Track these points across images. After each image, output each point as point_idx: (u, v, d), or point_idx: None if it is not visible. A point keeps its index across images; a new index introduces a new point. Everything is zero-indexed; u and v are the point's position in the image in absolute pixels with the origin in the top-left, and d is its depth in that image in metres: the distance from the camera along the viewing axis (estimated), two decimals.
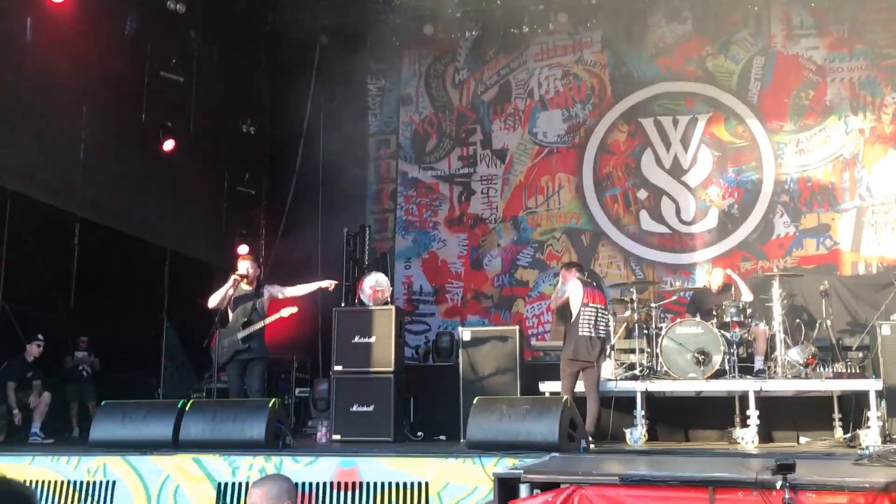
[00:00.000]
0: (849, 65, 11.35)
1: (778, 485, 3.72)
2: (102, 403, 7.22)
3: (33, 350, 9.02)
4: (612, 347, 8.54)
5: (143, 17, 10.17)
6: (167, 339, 11.21)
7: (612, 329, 8.30)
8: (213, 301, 8.10)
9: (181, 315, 11.30)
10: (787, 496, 3.70)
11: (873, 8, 11.23)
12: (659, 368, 8.24)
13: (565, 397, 6.60)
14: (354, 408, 8.55)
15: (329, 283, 8.55)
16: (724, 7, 11.52)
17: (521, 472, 4.26)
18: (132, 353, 10.55)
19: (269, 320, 8.11)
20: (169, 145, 10.27)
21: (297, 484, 6.18)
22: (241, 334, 8.02)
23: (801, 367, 8.00)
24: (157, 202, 10.26)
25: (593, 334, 7.68)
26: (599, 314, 7.78)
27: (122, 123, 9.77)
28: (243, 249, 11.15)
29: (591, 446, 6.94)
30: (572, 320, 7.77)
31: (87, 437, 7.29)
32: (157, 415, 6.96)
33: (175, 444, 6.72)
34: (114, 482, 6.33)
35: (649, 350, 8.40)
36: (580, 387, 7.78)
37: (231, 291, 8.04)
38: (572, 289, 7.82)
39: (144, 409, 7.08)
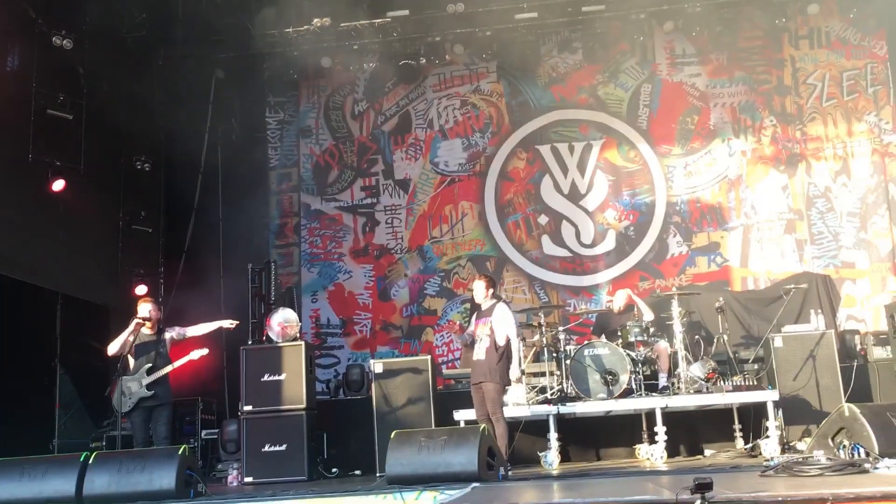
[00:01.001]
0: (729, 90, 11.98)
1: None
2: None
3: None
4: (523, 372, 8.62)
5: (27, 53, 9.74)
6: (61, 387, 10.67)
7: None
8: (113, 348, 7.81)
9: (76, 361, 10.78)
10: None
11: (749, 37, 11.92)
12: (569, 391, 8.40)
13: (483, 426, 6.65)
14: (266, 447, 8.42)
15: (230, 323, 8.38)
16: (612, 37, 11.97)
17: None
18: (24, 404, 9.99)
19: (177, 364, 7.88)
20: (58, 185, 9.83)
21: None
22: (145, 381, 7.76)
23: (703, 382, 8.32)
24: (47, 244, 9.79)
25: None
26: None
27: (6, 163, 9.31)
28: (141, 290, 10.76)
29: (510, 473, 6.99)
30: (509, 348, 7.68)
31: None
32: (58, 470, 6.62)
33: (79, 501, 6.40)
34: None
35: (559, 373, 8.56)
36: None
37: (132, 337, 7.77)
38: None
39: (44, 464, 6.72)
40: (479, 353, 7.74)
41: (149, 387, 7.75)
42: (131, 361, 7.92)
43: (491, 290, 7.96)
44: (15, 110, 9.48)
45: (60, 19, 9.93)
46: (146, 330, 7.94)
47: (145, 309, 7.94)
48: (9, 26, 9.41)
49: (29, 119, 9.62)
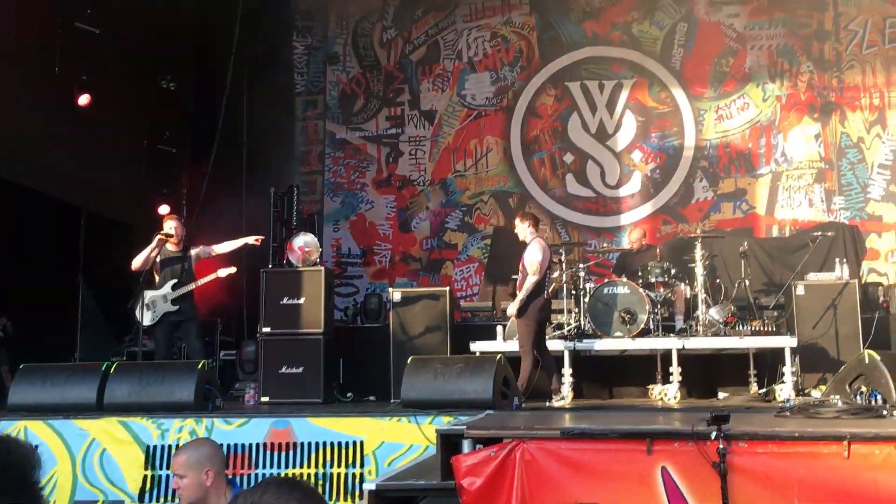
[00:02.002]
0: (768, 33, 11.66)
1: (713, 435, 3.86)
2: (21, 366, 6.94)
3: None
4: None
5: None
6: (83, 303, 10.82)
7: None
8: (137, 262, 7.87)
9: (98, 277, 10.90)
10: (721, 446, 3.84)
11: None
12: (586, 328, 8.41)
13: (499, 356, 6.67)
14: (283, 369, 8.50)
15: (255, 239, 8.42)
16: None
17: (464, 427, 4.30)
18: (46, 317, 10.14)
19: (203, 280, 7.96)
20: (84, 100, 9.80)
21: (228, 446, 6.13)
22: (171, 295, 7.84)
23: (721, 326, 8.29)
24: (72, 159, 9.80)
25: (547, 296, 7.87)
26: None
27: (33, 76, 9.26)
28: (164, 209, 10.80)
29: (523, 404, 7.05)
30: (536, 280, 7.65)
31: (2, 401, 7.01)
32: (80, 378, 6.75)
33: (100, 408, 6.53)
34: (36, 446, 6.10)
35: (577, 310, 8.55)
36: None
37: (155, 252, 7.82)
38: (545, 249, 7.79)
39: (66, 371, 6.85)
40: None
41: (174, 301, 7.84)
42: (156, 277, 8.01)
43: (528, 227, 7.89)
44: (43, 23, 9.38)
45: None
46: (171, 247, 8.00)
47: (170, 225, 7.99)
48: None
49: (57, 32, 9.54)
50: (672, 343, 8.09)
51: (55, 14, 9.53)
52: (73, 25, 9.65)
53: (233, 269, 8.19)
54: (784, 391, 7.77)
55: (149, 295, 7.85)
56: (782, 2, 11.60)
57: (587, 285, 8.57)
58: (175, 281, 7.91)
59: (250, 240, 8.36)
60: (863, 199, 11.23)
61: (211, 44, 11.78)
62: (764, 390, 8.23)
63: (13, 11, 8.76)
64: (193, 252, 8.12)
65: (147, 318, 7.85)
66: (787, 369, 7.86)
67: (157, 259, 7.89)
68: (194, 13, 11.42)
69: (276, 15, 12.04)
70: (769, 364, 8.47)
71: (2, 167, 9.21)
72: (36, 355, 7.94)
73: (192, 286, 7.93)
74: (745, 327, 8.28)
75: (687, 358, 8.28)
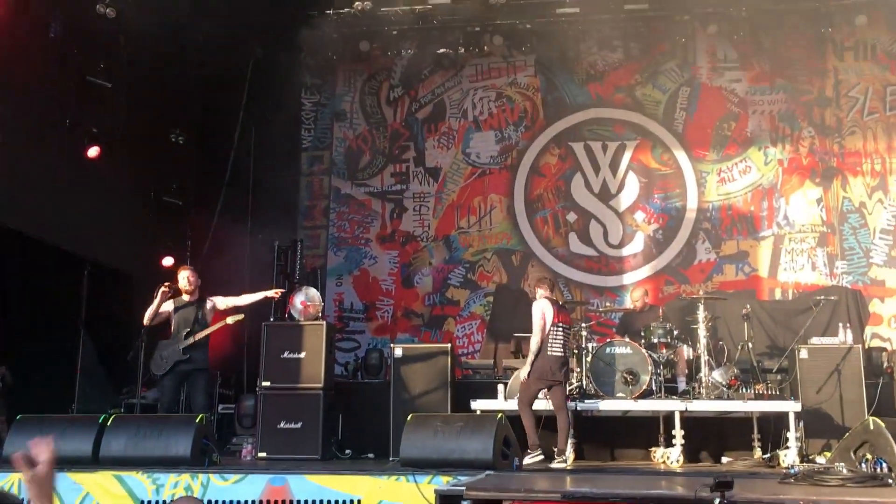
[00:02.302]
0: (769, 98, 11.83)
1: (716, 502, 3.80)
2: (18, 417, 6.89)
3: None
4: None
5: (71, 19, 9.82)
6: (84, 353, 10.78)
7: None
8: (146, 318, 7.91)
9: (100, 327, 10.88)
10: None
11: (793, 45, 11.76)
12: (588, 388, 8.34)
13: (500, 415, 6.61)
14: (282, 424, 8.43)
15: (275, 292, 8.45)
16: (653, 37, 11.87)
17: (464, 489, 4.24)
18: (46, 367, 10.09)
19: (213, 328, 7.97)
20: (94, 152, 9.93)
21: (224, 503, 6.05)
22: (182, 344, 7.84)
23: (724, 389, 8.22)
24: (78, 210, 9.87)
25: (563, 354, 7.80)
26: (565, 333, 7.89)
27: (44, 128, 9.39)
28: (168, 261, 10.85)
29: (524, 463, 6.96)
30: (539, 338, 7.75)
31: None
32: (77, 429, 6.70)
33: (95, 461, 6.46)
34: (28, 500, 6.02)
35: (579, 370, 8.50)
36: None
37: (160, 304, 7.86)
38: (545, 309, 7.85)
39: (63, 423, 6.81)
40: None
41: (185, 350, 7.84)
42: (171, 327, 8.06)
43: (537, 290, 8.12)
44: (56, 76, 9.56)
45: None
46: (186, 296, 8.04)
47: (184, 275, 8.07)
48: None
49: (69, 85, 9.70)
50: (675, 405, 8.02)
51: (68, 68, 9.71)
52: (86, 79, 9.82)
53: (240, 316, 8.23)
54: (788, 457, 7.67)
55: (162, 344, 7.88)
56: (783, 69, 11.79)
57: (589, 344, 8.53)
58: (188, 330, 7.94)
59: (270, 293, 8.39)
60: (865, 264, 11.24)
61: (220, 98, 11.98)
62: (768, 455, 8.12)
63: (27, 63, 8.92)
64: (210, 302, 8.15)
65: (160, 368, 7.85)
66: (792, 434, 7.77)
67: (172, 309, 7.93)
68: (204, 69, 11.63)
69: (285, 72, 12.22)
70: (773, 428, 8.37)
71: (8, 216, 9.28)
72: (35, 405, 7.90)
73: (203, 333, 7.94)
74: (749, 390, 8.20)
75: (690, 420, 8.19)
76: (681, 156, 11.91)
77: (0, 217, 9.26)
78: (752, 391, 8.21)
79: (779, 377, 8.99)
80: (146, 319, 7.88)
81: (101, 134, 9.98)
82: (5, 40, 8.57)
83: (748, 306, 9.08)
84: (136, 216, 11.10)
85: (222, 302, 8.21)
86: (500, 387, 8.51)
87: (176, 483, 6.14)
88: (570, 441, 8.02)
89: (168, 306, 8.06)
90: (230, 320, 8.12)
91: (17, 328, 9.78)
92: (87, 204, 9.96)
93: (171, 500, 5.88)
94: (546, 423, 8.45)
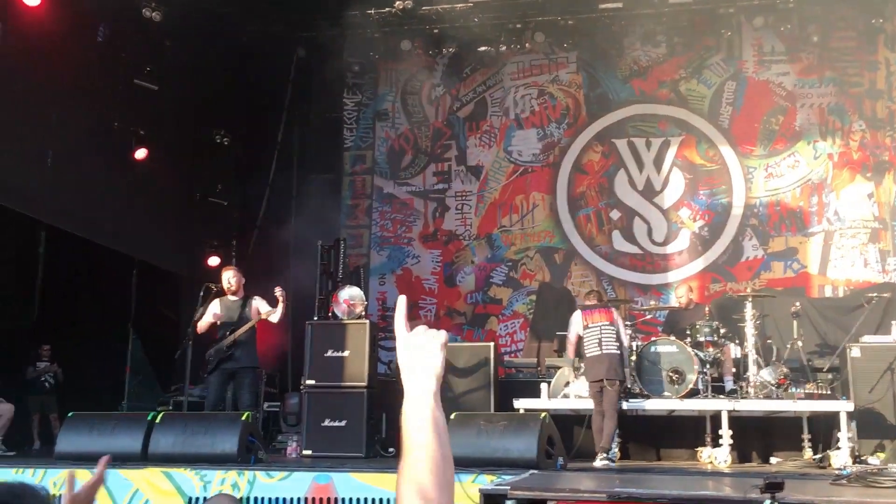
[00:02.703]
0: (818, 91, 11.57)
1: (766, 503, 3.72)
2: (70, 415, 7.04)
3: None
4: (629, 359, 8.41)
5: (118, 24, 10.03)
6: (132, 351, 11.00)
7: (625, 341, 8.12)
8: (199, 327, 8.01)
9: (148, 326, 11.10)
10: None
11: (842, 37, 11.49)
12: (633, 387, 8.25)
13: (544, 414, 6.57)
14: (326, 422, 8.45)
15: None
16: (698, 32, 11.69)
17: (508, 488, 4.21)
18: (96, 365, 10.32)
19: (248, 325, 8.04)
20: (141, 154, 10.12)
21: (269, 500, 6.10)
22: (225, 341, 7.94)
23: (773, 388, 8.06)
24: (126, 211, 10.08)
25: (600, 352, 7.71)
26: (603, 330, 7.79)
27: (92, 131, 9.60)
28: (214, 261, 11.00)
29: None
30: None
31: (48, 449, 7.10)
32: (126, 427, 6.81)
33: (144, 458, 6.57)
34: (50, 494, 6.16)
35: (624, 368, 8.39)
36: None
37: (206, 308, 7.96)
38: (572, 321, 7.97)
39: (113, 420, 6.93)
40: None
41: (228, 347, 7.92)
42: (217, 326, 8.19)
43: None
44: (104, 80, 9.76)
45: None
46: (231, 297, 8.13)
47: (227, 276, 8.15)
48: None
49: (116, 89, 9.89)
50: (722, 405, 7.88)
51: (116, 71, 9.89)
52: (133, 82, 9.99)
53: (279, 310, 8.28)
54: (840, 458, 7.49)
55: (210, 343, 7.99)
56: (832, 61, 11.53)
57: (634, 343, 8.43)
58: (233, 329, 8.03)
59: (272, 316, 8.37)
60: None
61: (263, 99, 12.11)
62: (819, 456, 7.94)
63: (76, 67, 9.11)
64: (254, 302, 8.23)
65: (205, 366, 7.97)
66: (843, 435, 7.59)
67: (219, 309, 8.03)
68: (248, 70, 11.77)
69: (327, 72, 12.31)
70: (824, 429, 8.19)
71: (58, 218, 9.50)
72: (86, 402, 8.07)
73: (244, 328, 8.01)
74: (799, 390, 8.03)
75: (737, 420, 8.05)
76: (727, 151, 11.72)
77: (51, 219, 9.50)
78: (803, 390, 8.05)
79: (830, 376, 8.78)
80: (199, 329, 7.99)
81: (148, 136, 10.15)
82: (55, 44, 8.77)
83: (798, 304, 8.89)
84: (183, 216, 11.29)
85: (264, 307, 8.27)
86: (544, 386, 8.45)
87: (223, 480, 6.21)
88: (616, 440, 7.93)
89: (215, 307, 8.14)
90: (264, 314, 8.20)
91: (68, 327, 10.02)
92: (135, 205, 10.16)
93: (206, 499, 5.95)
94: (577, 420, 8.41)
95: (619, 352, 7.82)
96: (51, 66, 8.79)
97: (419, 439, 1.67)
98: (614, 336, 7.83)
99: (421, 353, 1.73)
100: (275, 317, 8.19)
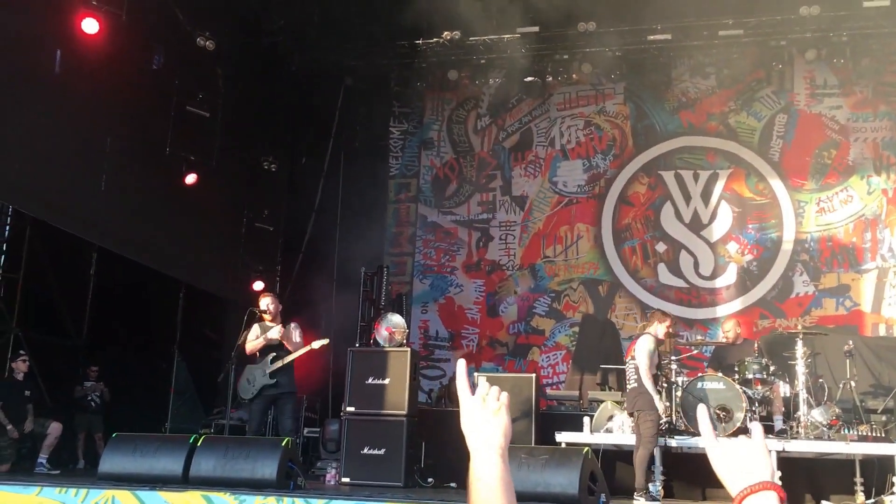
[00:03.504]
0: (872, 125, 11.34)
1: None
2: (114, 435, 7.10)
3: (20, 366, 8.92)
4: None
5: (172, 52, 10.27)
6: (177, 373, 11.12)
7: (640, 378, 7.95)
8: (249, 347, 8.05)
9: (193, 349, 11.23)
10: None
11: None
12: (678, 423, 8.07)
13: (586, 449, 6.45)
14: (365, 450, 8.41)
15: (320, 344, 8.40)
16: (748, 64, 11.58)
17: None
18: (142, 385, 10.47)
19: (297, 353, 8.06)
20: (191, 179, 10.30)
21: None
22: (269, 369, 7.97)
23: (825, 429, 7.82)
24: (175, 235, 10.25)
25: (629, 385, 7.76)
26: (628, 365, 7.76)
27: (145, 155, 9.81)
28: (258, 285, 11.10)
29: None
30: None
31: (92, 468, 7.17)
32: (168, 449, 6.84)
33: (185, 480, 6.59)
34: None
35: (668, 404, 8.23)
36: None
37: (253, 331, 8.02)
38: None
39: (156, 442, 6.96)
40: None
41: (271, 375, 7.95)
42: (257, 352, 8.19)
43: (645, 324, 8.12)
44: (157, 106, 9.99)
45: (205, 21, 10.41)
46: (268, 323, 8.15)
47: (265, 302, 8.17)
48: (157, 26, 9.95)
49: (169, 115, 10.12)
50: (772, 444, 7.65)
51: (169, 98, 10.11)
52: (185, 109, 10.20)
53: (325, 341, 8.30)
54: (894, 503, 7.22)
55: (249, 369, 8.01)
56: (886, 94, 11.31)
57: (679, 378, 8.26)
58: (274, 354, 8.05)
59: (316, 345, 8.38)
60: None
61: (311, 127, 12.27)
62: (872, 501, 7.67)
63: (130, 95, 9.33)
64: (293, 327, 8.25)
65: (247, 392, 7.98)
66: None
67: (259, 333, 8.07)
68: (297, 98, 11.95)
69: (374, 101, 12.45)
70: (878, 472, 7.90)
71: (110, 241, 9.69)
72: (131, 422, 8.17)
73: (288, 359, 8.04)
74: (851, 431, 7.78)
75: (787, 461, 7.81)
76: (777, 185, 11.52)
77: (102, 241, 9.69)
78: (855, 432, 7.79)
79: (884, 418, 8.50)
80: (249, 350, 8.03)
81: (198, 161, 10.33)
82: (111, 71, 9.00)
83: (851, 342, 8.65)
84: (230, 241, 11.44)
85: (297, 335, 8.25)
86: (586, 419, 8.32)
87: None
88: (660, 478, 7.76)
89: (257, 331, 8.18)
90: (315, 345, 8.20)
91: (116, 347, 10.18)
92: (183, 229, 10.33)
93: None
94: (630, 458, 8.24)
95: (636, 384, 7.72)
96: (106, 92, 9.02)
97: (487, 497, 1.68)
98: (633, 369, 7.80)
99: (486, 414, 1.76)
100: (317, 343, 8.21)
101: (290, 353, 8.09)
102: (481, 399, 1.77)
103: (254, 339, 8.05)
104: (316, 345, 8.17)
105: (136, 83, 9.50)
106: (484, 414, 1.72)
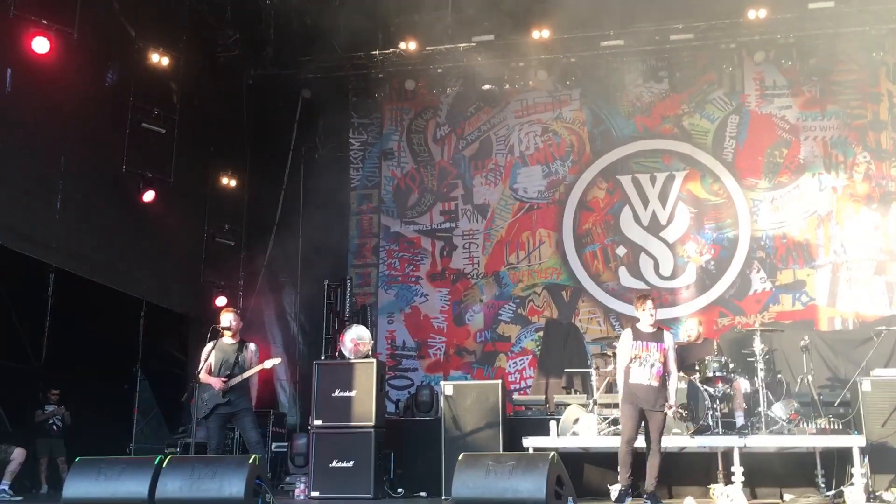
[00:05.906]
0: (821, 124, 11.62)
1: None
2: (77, 459, 6.97)
3: None
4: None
5: (126, 69, 10.18)
6: (140, 393, 10.98)
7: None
8: (202, 377, 7.84)
9: (155, 368, 11.09)
10: None
11: (844, 70, 11.58)
12: None
13: (552, 454, 6.50)
14: (334, 463, 8.42)
15: (272, 363, 8.32)
16: (700, 67, 11.82)
17: None
18: (104, 407, 10.31)
19: (251, 372, 7.96)
20: (149, 196, 10.20)
21: None
22: (221, 386, 7.86)
23: (785, 423, 7.98)
24: (134, 253, 10.15)
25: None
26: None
27: (101, 174, 9.70)
28: (221, 301, 11.02)
29: None
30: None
31: (55, 493, 7.06)
32: (133, 471, 6.73)
33: (151, 502, 6.51)
34: None
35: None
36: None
37: (206, 349, 7.88)
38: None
39: (120, 465, 6.84)
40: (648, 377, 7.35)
41: (224, 394, 7.85)
42: (211, 369, 8.08)
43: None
44: (112, 123, 9.89)
45: (158, 37, 10.33)
46: (228, 339, 8.04)
47: (226, 318, 8.06)
48: (109, 44, 9.86)
49: (125, 132, 10.01)
50: (733, 441, 7.79)
51: (123, 115, 10.01)
52: (141, 126, 10.11)
53: (277, 360, 8.24)
54: (854, 493, 7.38)
55: (202, 387, 7.87)
56: (834, 94, 11.61)
57: None
58: (228, 373, 7.93)
59: (268, 364, 8.29)
60: None
61: (269, 140, 12.24)
62: (832, 492, 7.84)
63: (84, 113, 9.23)
64: (251, 346, 8.10)
65: (201, 411, 7.87)
66: (857, 470, 7.49)
67: (211, 348, 7.90)
68: (254, 112, 11.91)
69: (333, 113, 12.45)
70: (837, 464, 8.08)
71: (67, 261, 9.55)
72: (94, 445, 8.03)
73: (241, 377, 7.93)
74: (810, 425, 7.94)
75: (749, 457, 7.96)
76: (731, 185, 11.75)
77: (59, 262, 9.55)
78: (814, 426, 7.95)
79: (841, 410, 8.66)
80: (202, 380, 7.81)
81: (155, 178, 10.24)
82: (63, 90, 8.90)
83: (807, 337, 8.82)
84: (190, 258, 11.35)
85: (254, 355, 8.11)
86: (552, 423, 8.39)
87: None
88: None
89: (211, 355, 7.96)
90: (268, 364, 8.10)
91: (77, 369, 10.02)
92: (143, 247, 10.23)
93: None
94: (595, 459, 8.32)
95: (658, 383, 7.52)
96: (59, 110, 8.92)
97: None
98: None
99: None
100: (269, 363, 8.12)
101: (243, 371, 7.97)
102: None
103: (203, 362, 7.88)
104: (268, 364, 8.09)
105: (89, 101, 9.41)
106: None
